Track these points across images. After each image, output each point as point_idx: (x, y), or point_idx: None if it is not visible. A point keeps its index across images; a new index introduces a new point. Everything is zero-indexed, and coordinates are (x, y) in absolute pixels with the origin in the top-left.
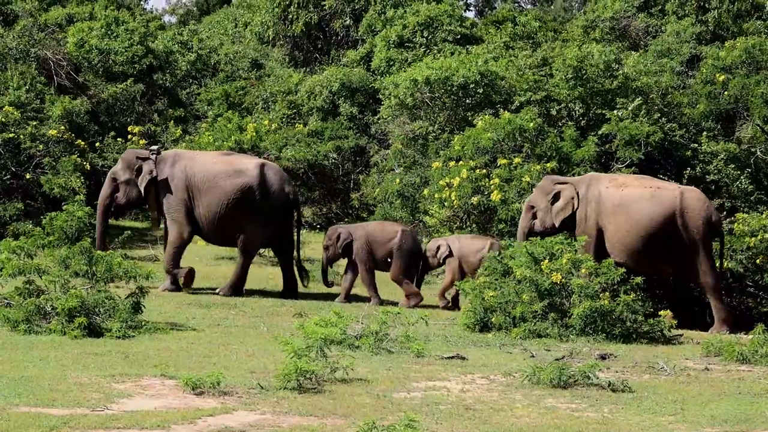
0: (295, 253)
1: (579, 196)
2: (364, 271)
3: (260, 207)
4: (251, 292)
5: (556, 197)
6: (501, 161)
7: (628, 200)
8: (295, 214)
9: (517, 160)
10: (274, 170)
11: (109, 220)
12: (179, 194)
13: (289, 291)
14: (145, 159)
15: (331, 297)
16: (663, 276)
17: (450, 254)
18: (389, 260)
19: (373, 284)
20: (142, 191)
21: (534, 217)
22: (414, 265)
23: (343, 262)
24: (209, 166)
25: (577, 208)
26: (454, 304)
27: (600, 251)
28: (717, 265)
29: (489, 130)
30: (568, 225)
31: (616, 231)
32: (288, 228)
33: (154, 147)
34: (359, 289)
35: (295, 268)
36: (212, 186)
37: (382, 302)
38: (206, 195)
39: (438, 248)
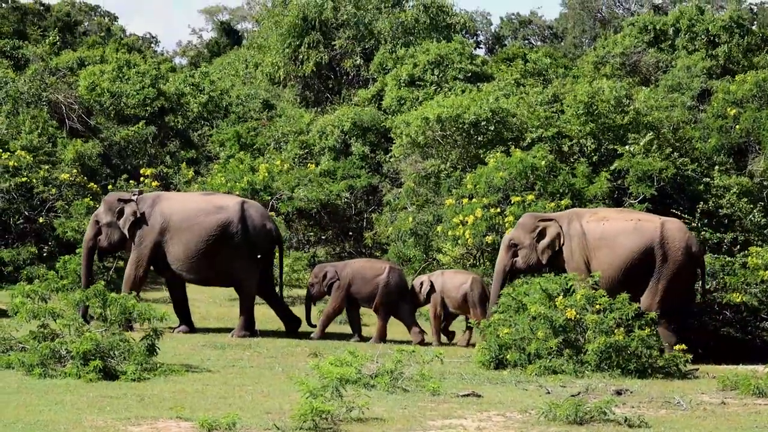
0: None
1: (563, 233)
2: (334, 307)
3: (241, 243)
4: (265, 333)
5: (542, 234)
6: (514, 199)
7: (610, 234)
8: (278, 251)
9: (530, 197)
10: (255, 207)
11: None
12: (154, 233)
13: (290, 325)
14: (127, 201)
15: (345, 337)
16: None
17: (432, 290)
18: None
19: (357, 321)
20: (126, 233)
21: (515, 255)
22: (399, 302)
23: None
24: (189, 204)
25: (563, 244)
26: (447, 335)
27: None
28: (697, 294)
29: (501, 168)
30: (554, 262)
31: (598, 265)
32: (269, 265)
33: (136, 189)
34: (335, 326)
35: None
36: (192, 224)
37: (362, 339)
38: (185, 233)
39: (421, 285)
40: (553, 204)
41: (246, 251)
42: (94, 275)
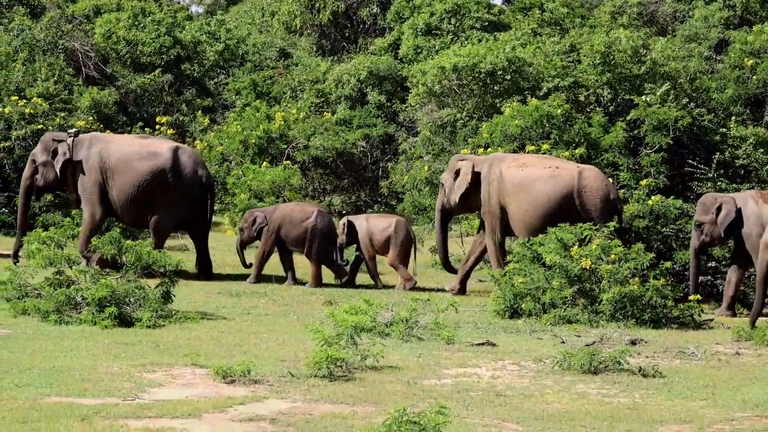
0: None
1: (480, 175)
2: (264, 251)
3: (172, 189)
4: (281, 280)
5: (458, 174)
6: (529, 148)
7: (528, 180)
8: (209, 197)
9: (545, 146)
10: (188, 153)
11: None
12: (93, 176)
13: (203, 272)
14: (60, 141)
15: (361, 286)
16: None
17: (353, 232)
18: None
19: (291, 266)
20: (58, 172)
21: (445, 194)
22: (329, 246)
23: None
24: (124, 148)
25: (473, 184)
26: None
27: (505, 230)
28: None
29: (516, 117)
30: (469, 203)
31: (517, 210)
32: (202, 211)
33: (72, 130)
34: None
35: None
36: (126, 168)
37: (296, 283)
38: (120, 176)
39: (343, 227)
40: (567, 153)
41: (175, 197)
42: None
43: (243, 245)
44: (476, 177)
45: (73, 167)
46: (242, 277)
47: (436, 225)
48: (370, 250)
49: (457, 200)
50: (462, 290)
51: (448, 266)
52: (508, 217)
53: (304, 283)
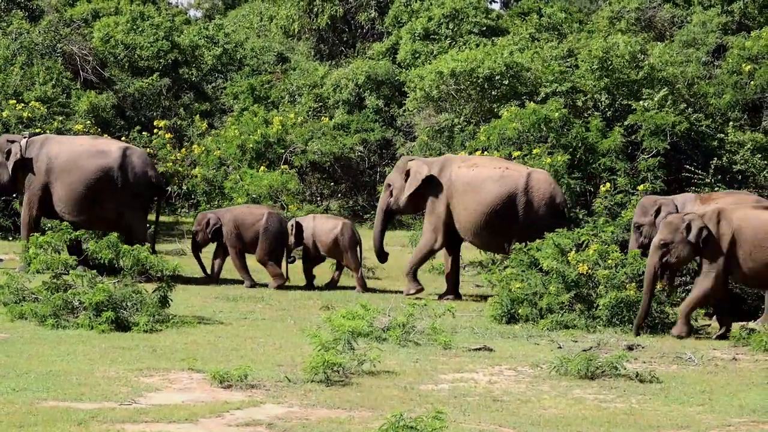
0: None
1: (432, 176)
2: (234, 254)
3: (120, 189)
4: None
5: (408, 174)
6: (535, 151)
7: (477, 180)
8: (159, 198)
9: (536, 150)
10: (138, 154)
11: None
12: (40, 175)
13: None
14: (13, 142)
15: (353, 289)
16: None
17: (300, 233)
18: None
19: (244, 267)
20: (11, 173)
21: (391, 195)
22: (280, 247)
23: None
24: (74, 147)
25: (422, 184)
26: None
27: (449, 231)
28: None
29: (514, 120)
30: (419, 204)
31: (464, 210)
32: (153, 211)
33: (27, 132)
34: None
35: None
36: (74, 167)
37: (254, 284)
38: (68, 176)
39: (291, 228)
40: (560, 156)
41: (127, 197)
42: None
43: (198, 248)
44: (428, 178)
45: (24, 167)
46: (239, 282)
47: (376, 225)
48: (315, 251)
49: (406, 200)
50: (457, 295)
51: (381, 253)
52: (454, 219)
53: (265, 285)
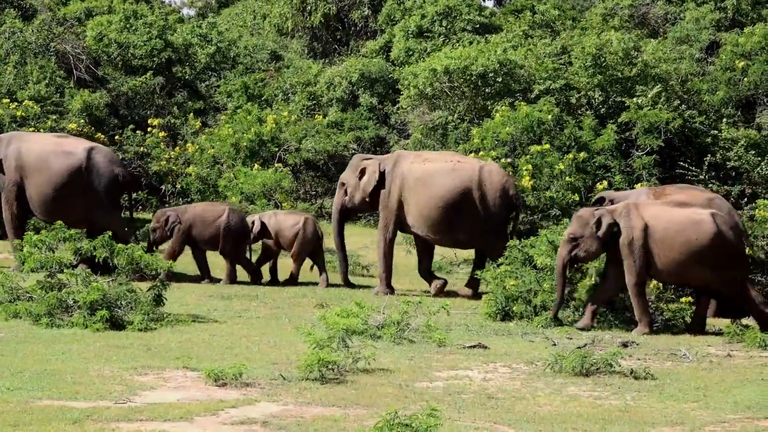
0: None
1: (385, 173)
2: (194, 251)
3: (87, 188)
4: (275, 283)
5: (363, 173)
6: (534, 149)
7: (429, 174)
8: (127, 196)
9: (546, 146)
10: (104, 153)
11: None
12: (11, 173)
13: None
14: None
15: (354, 287)
16: (461, 248)
17: (264, 230)
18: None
19: (204, 264)
20: None
21: (346, 193)
22: (240, 244)
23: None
24: (42, 146)
25: (380, 182)
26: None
27: (401, 225)
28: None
29: (507, 123)
30: (377, 203)
31: (417, 204)
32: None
33: None
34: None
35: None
36: (42, 166)
37: (213, 281)
38: (37, 175)
39: (253, 224)
40: (570, 155)
41: (95, 196)
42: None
43: (155, 245)
44: (381, 174)
45: None
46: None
47: (334, 226)
48: (277, 247)
49: (366, 199)
50: (391, 290)
51: (346, 279)
52: (406, 213)
53: (219, 280)
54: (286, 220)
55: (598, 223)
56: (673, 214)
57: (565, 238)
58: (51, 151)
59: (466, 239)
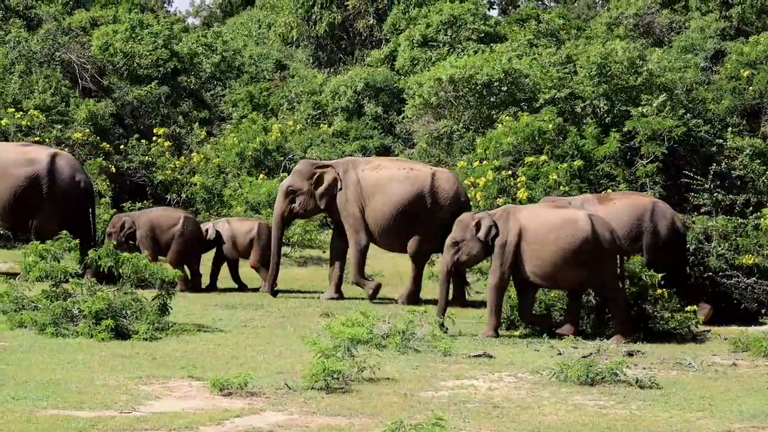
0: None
1: (339, 179)
2: (149, 257)
3: (49, 195)
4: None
5: (319, 181)
6: (528, 159)
7: (383, 181)
8: (89, 203)
9: (543, 157)
10: (67, 160)
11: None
12: None
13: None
14: None
15: (359, 297)
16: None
17: (218, 237)
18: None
19: None
20: None
21: (293, 201)
22: (195, 251)
23: None
24: (4, 155)
25: (340, 190)
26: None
27: (335, 227)
28: None
29: (509, 134)
30: (330, 208)
31: (372, 211)
32: (84, 217)
33: None
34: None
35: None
36: (5, 174)
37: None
38: (2, 182)
39: (206, 231)
40: (566, 165)
41: (55, 204)
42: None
43: None
44: (334, 181)
45: None
46: (238, 290)
47: (275, 234)
48: (234, 253)
49: (314, 206)
50: (340, 296)
51: (273, 285)
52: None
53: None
54: (240, 227)
55: (478, 225)
56: (547, 216)
57: (448, 243)
58: (13, 160)
59: (423, 246)
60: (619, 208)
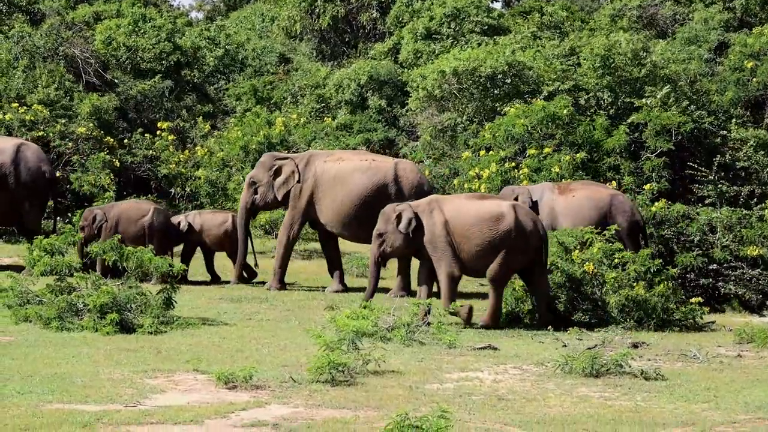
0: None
1: (300, 172)
2: None
3: (15, 185)
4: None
5: (278, 172)
6: (530, 151)
7: (345, 173)
8: (53, 192)
9: (547, 150)
10: (32, 150)
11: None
12: None
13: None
14: None
15: (360, 290)
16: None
17: (192, 229)
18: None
19: None
20: None
21: (255, 192)
22: (165, 243)
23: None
24: None
25: (297, 182)
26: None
27: (311, 222)
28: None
29: (522, 117)
30: (287, 200)
31: (332, 202)
32: (44, 207)
33: None
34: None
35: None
36: None
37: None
38: None
39: (178, 224)
40: (568, 157)
41: (22, 193)
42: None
43: (86, 243)
44: (293, 173)
45: None
46: (243, 283)
47: (241, 224)
48: (207, 246)
49: (280, 198)
50: (345, 288)
51: (242, 269)
52: (317, 212)
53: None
54: (213, 219)
55: (399, 218)
56: (471, 208)
57: (374, 234)
58: None
59: None
60: (578, 199)
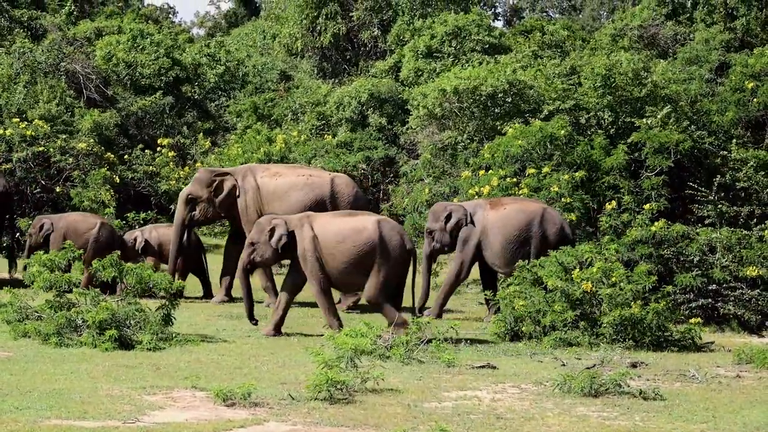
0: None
1: (239, 186)
2: None
3: None
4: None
5: (219, 188)
6: (529, 170)
7: (282, 188)
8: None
9: (546, 169)
10: None
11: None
12: None
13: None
14: None
15: (360, 307)
16: None
17: (147, 244)
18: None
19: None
20: None
21: (193, 209)
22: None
23: None
24: None
25: (239, 197)
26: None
27: None
28: None
29: (520, 137)
30: (230, 215)
31: None
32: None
33: None
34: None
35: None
36: None
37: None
38: None
39: (135, 239)
40: (567, 176)
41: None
42: None
43: (30, 251)
44: (234, 189)
45: None
46: (241, 300)
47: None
48: (158, 261)
49: (214, 212)
50: (231, 299)
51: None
52: None
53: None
54: (169, 233)
55: (272, 232)
56: (338, 224)
57: (246, 242)
58: None
59: None
60: (509, 213)
